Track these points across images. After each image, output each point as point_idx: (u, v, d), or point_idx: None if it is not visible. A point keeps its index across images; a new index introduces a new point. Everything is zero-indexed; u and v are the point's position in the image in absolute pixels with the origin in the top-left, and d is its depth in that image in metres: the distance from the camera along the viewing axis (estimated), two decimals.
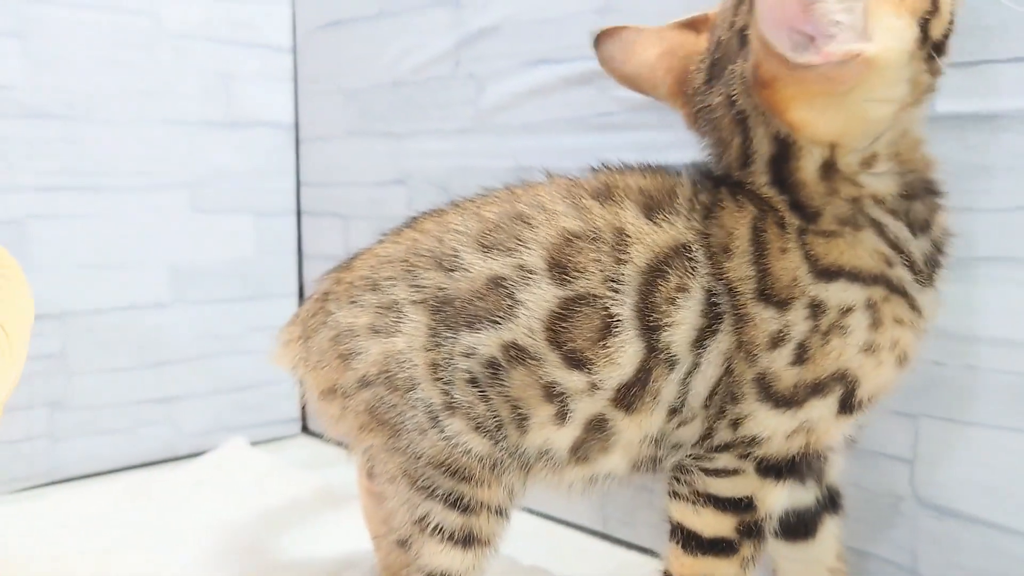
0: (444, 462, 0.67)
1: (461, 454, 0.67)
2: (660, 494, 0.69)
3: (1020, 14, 0.67)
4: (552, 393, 0.64)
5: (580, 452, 0.67)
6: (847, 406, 0.62)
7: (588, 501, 1.00)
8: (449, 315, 0.66)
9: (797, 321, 0.61)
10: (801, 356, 0.61)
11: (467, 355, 0.65)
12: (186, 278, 1.29)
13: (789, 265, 0.61)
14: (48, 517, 1.05)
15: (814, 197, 0.62)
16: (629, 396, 0.63)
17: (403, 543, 0.71)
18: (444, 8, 1.13)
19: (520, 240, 0.65)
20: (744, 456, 0.64)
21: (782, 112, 0.60)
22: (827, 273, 0.61)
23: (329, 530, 1.01)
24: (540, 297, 0.64)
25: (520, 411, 0.66)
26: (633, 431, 0.65)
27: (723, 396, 0.63)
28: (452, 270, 0.66)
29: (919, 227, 0.63)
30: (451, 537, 0.68)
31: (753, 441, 0.63)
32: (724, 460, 0.65)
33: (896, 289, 0.61)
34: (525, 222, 0.66)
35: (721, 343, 0.62)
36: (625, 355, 0.63)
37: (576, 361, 0.63)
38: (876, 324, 0.61)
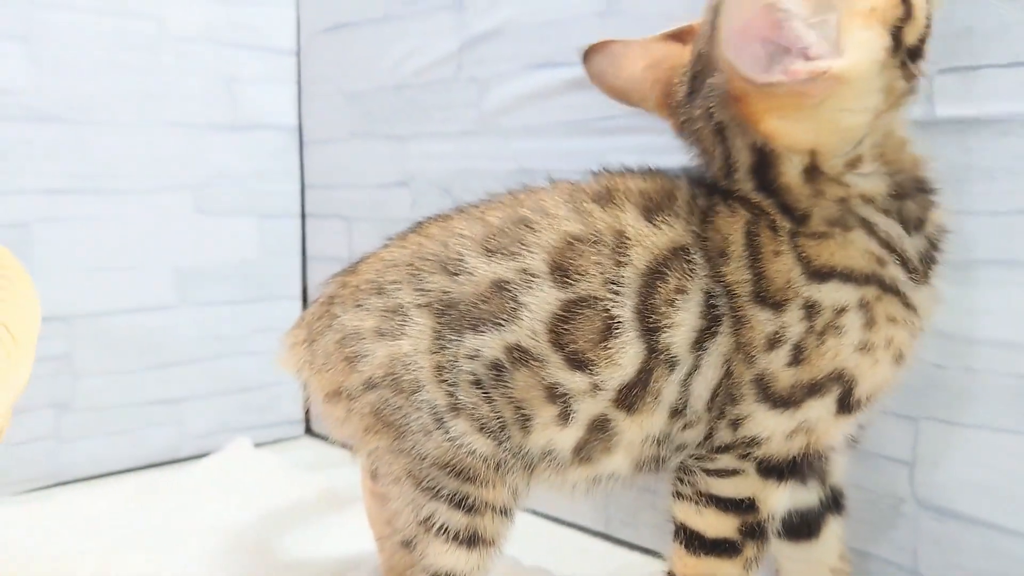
0: (449, 463, 0.68)
1: (466, 455, 0.68)
2: (663, 495, 0.70)
3: (1020, 18, 0.68)
4: (555, 394, 0.65)
5: (583, 452, 0.67)
6: (846, 406, 0.63)
7: (591, 502, 1.01)
8: (454, 318, 0.66)
9: (793, 322, 0.61)
10: (798, 357, 0.62)
11: (471, 357, 0.66)
12: (190, 280, 1.29)
13: (783, 267, 0.62)
14: (54, 518, 1.05)
15: (801, 200, 0.62)
16: (631, 397, 0.64)
17: (407, 543, 0.71)
18: (447, 11, 1.13)
19: (523, 244, 0.66)
20: (744, 457, 0.65)
21: (756, 123, 0.60)
22: (820, 274, 0.61)
23: (333, 531, 1.01)
24: (543, 300, 0.64)
25: (524, 412, 0.66)
26: (635, 431, 0.65)
27: (723, 397, 0.64)
28: (457, 274, 0.67)
29: (913, 225, 0.63)
30: (456, 537, 0.69)
31: (753, 442, 0.64)
32: (725, 461, 0.65)
33: (889, 288, 0.62)
34: (528, 226, 0.66)
35: (720, 345, 0.63)
36: (626, 356, 0.63)
37: (578, 362, 0.64)
38: (870, 323, 0.61)
